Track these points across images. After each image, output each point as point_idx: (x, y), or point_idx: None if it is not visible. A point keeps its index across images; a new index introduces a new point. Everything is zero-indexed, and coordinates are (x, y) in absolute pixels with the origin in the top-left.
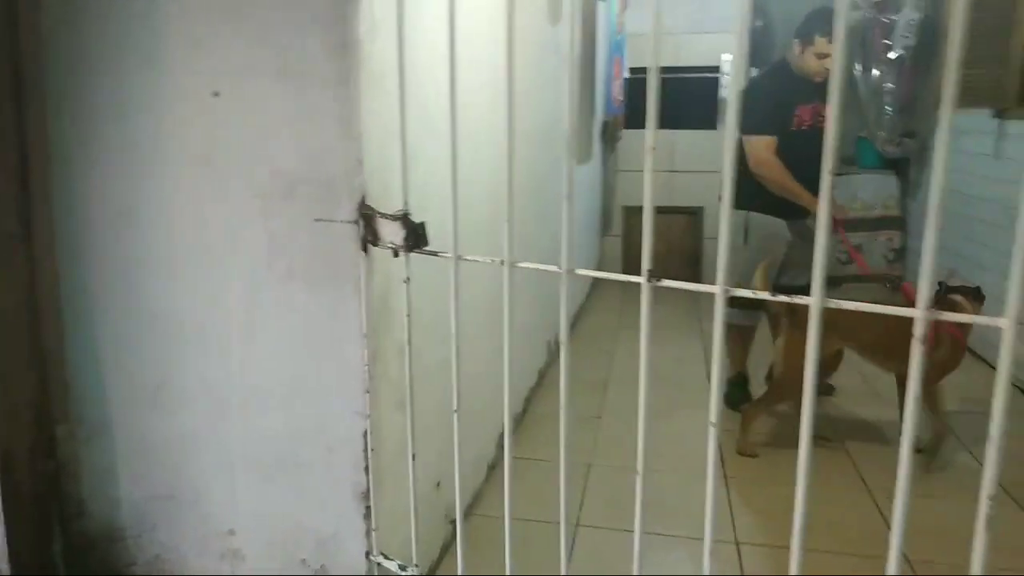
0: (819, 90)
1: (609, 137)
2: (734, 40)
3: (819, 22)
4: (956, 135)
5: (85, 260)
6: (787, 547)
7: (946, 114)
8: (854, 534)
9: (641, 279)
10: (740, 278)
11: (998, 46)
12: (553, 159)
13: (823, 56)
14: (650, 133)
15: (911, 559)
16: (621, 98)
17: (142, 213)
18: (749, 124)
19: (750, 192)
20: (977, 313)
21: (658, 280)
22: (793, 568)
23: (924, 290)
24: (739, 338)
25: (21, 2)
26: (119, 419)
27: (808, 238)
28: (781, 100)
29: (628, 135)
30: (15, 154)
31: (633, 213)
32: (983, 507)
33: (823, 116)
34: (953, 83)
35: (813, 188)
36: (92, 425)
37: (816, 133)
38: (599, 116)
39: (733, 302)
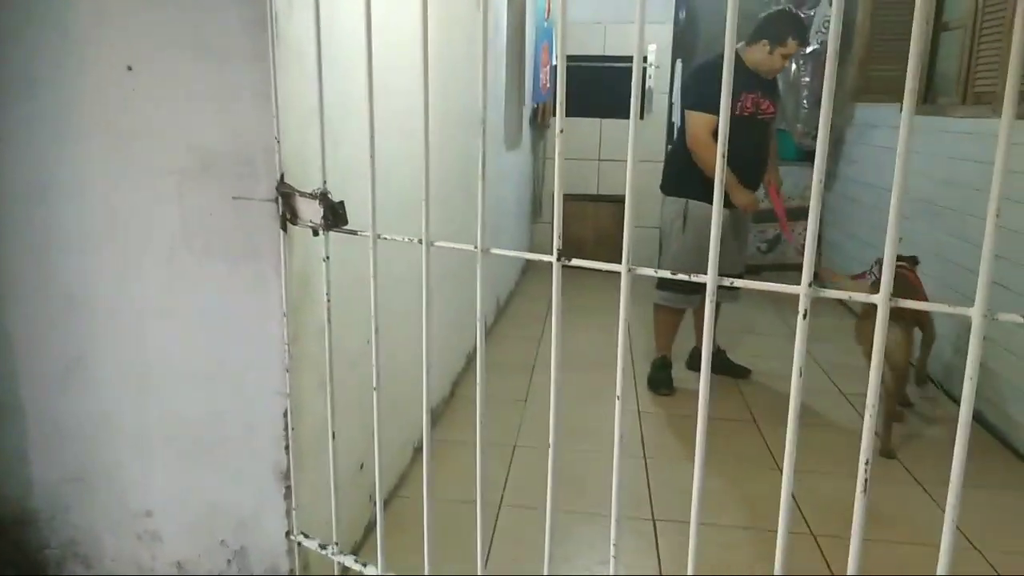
0: (763, 83)
1: (538, 124)
2: (660, 30)
3: (791, 25)
4: (867, 129)
5: None
6: (703, 524)
7: (825, 107)
8: (771, 511)
9: (552, 258)
10: (679, 263)
11: (908, 44)
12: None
13: (787, 56)
14: (559, 120)
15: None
16: (549, 85)
17: (54, 189)
18: (694, 100)
19: (689, 179)
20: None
21: (568, 260)
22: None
23: (807, 271)
24: (669, 321)
25: None
26: (30, 400)
27: (730, 226)
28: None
29: (556, 122)
30: None
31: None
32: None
33: (761, 106)
34: (831, 76)
35: (744, 172)
36: (2, 406)
37: (753, 121)
38: (528, 103)
39: (667, 284)
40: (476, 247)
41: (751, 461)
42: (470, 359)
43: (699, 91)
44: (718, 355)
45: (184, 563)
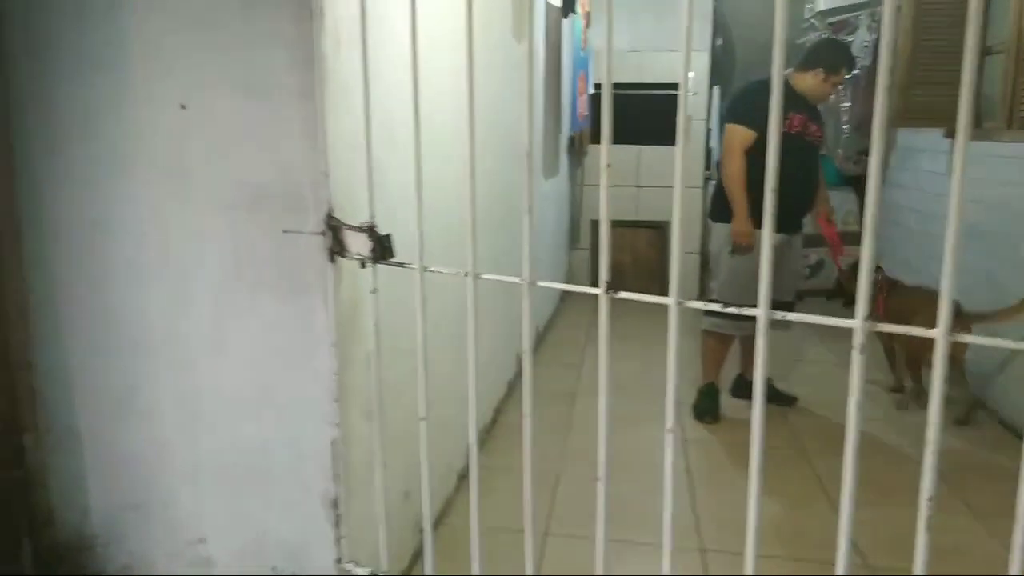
0: (809, 107)
1: (576, 152)
2: (696, 58)
3: (844, 55)
4: (911, 154)
5: (54, 269)
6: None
7: (878, 134)
8: (822, 543)
9: (599, 291)
10: (727, 290)
11: (949, 68)
12: (520, 172)
13: (837, 84)
14: (604, 151)
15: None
16: (587, 113)
17: (110, 223)
18: (738, 115)
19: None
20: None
21: (616, 292)
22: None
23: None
24: (718, 348)
25: None
26: (87, 428)
27: (781, 252)
28: (767, 103)
29: (594, 150)
30: None
31: (599, 227)
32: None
33: (810, 129)
34: (884, 104)
35: (788, 195)
36: (60, 433)
37: (801, 142)
38: (565, 131)
39: (716, 310)
40: (523, 280)
41: (799, 491)
42: (511, 386)
43: (745, 107)
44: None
45: None
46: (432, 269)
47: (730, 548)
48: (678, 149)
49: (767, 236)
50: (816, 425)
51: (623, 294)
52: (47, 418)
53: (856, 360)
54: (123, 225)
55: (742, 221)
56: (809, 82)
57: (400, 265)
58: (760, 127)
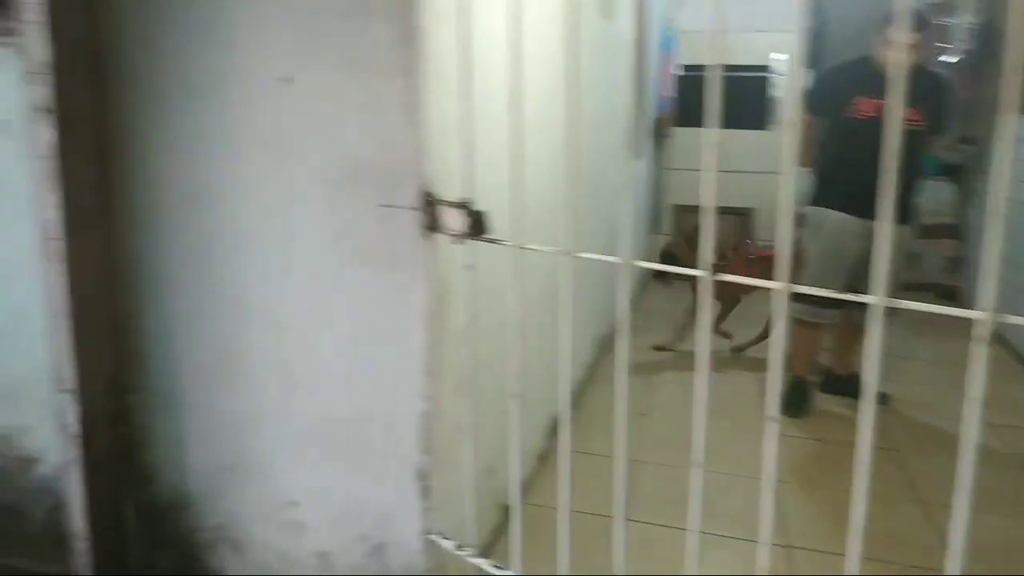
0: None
1: (659, 134)
2: (788, 39)
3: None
4: (1017, 143)
5: (160, 236)
6: (838, 553)
7: (1007, 120)
8: (908, 545)
9: (703, 272)
10: (810, 275)
11: None
12: (604, 153)
13: (896, 46)
14: (713, 133)
15: None
16: (672, 95)
17: (212, 193)
18: (808, 101)
19: (821, 188)
20: None
21: (719, 274)
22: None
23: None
24: (808, 337)
25: None
26: (189, 390)
27: (864, 240)
28: (845, 87)
29: (678, 132)
30: (94, 134)
31: (682, 211)
32: None
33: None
34: (1014, 87)
35: (861, 179)
36: (164, 396)
37: (873, 125)
38: (649, 113)
39: (802, 296)
40: (621, 259)
41: (891, 491)
42: (590, 369)
43: (812, 91)
44: (854, 379)
45: (326, 553)
46: (527, 247)
47: (819, 547)
48: (786, 133)
49: (886, 224)
50: (908, 423)
51: (728, 277)
52: (151, 380)
53: (978, 354)
54: (224, 195)
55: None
56: (877, 52)
57: (495, 242)
58: (825, 113)
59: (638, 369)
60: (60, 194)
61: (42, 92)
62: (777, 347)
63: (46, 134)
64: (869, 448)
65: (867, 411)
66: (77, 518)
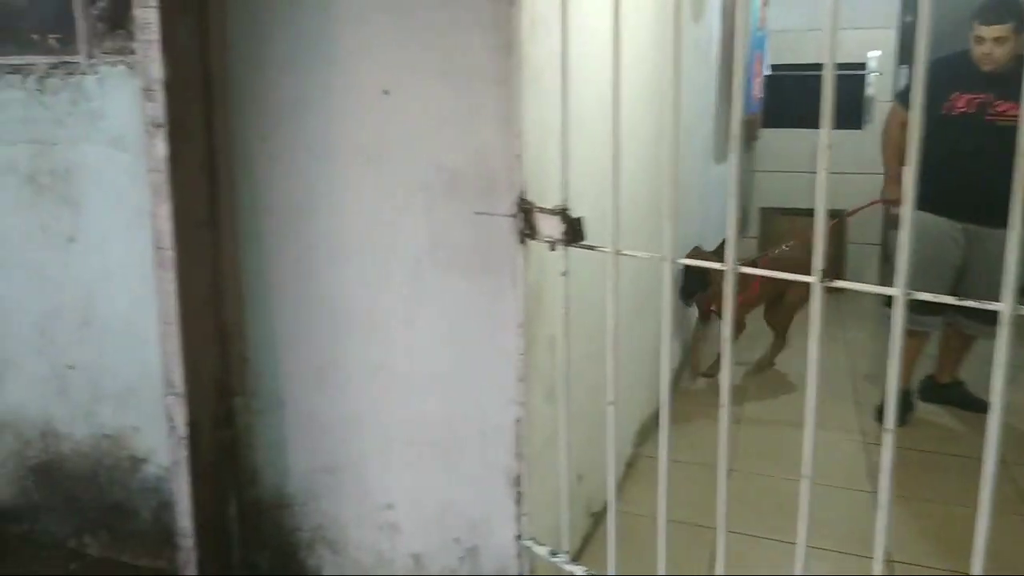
0: (990, 80)
1: (747, 136)
2: (883, 35)
3: (981, 8)
4: None
5: (263, 246)
6: (940, 570)
7: None
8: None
9: (813, 279)
10: (916, 281)
11: None
12: (693, 156)
13: (980, 41)
14: (824, 132)
15: None
16: (761, 95)
17: (314, 203)
18: (900, 93)
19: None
20: None
21: (831, 280)
22: None
23: None
24: (910, 345)
25: (210, 9)
26: (290, 394)
27: (985, 240)
28: (942, 82)
29: (766, 134)
30: (204, 149)
31: (771, 215)
32: None
33: (996, 109)
34: None
35: (958, 179)
36: (266, 399)
37: (974, 122)
38: (738, 115)
39: (909, 305)
40: (726, 266)
41: (998, 503)
42: (675, 376)
43: (906, 87)
44: (956, 387)
45: (420, 556)
46: (626, 252)
47: (919, 561)
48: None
49: (1016, 229)
50: (1014, 433)
51: (839, 283)
52: (255, 384)
53: None
54: (327, 207)
55: (890, 185)
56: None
57: (592, 248)
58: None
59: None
60: (172, 206)
61: (157, 108)
62: (894, 357)
63: (160, 148)
64: (994, 463)
65: (993, 424)
66: (183, 517)
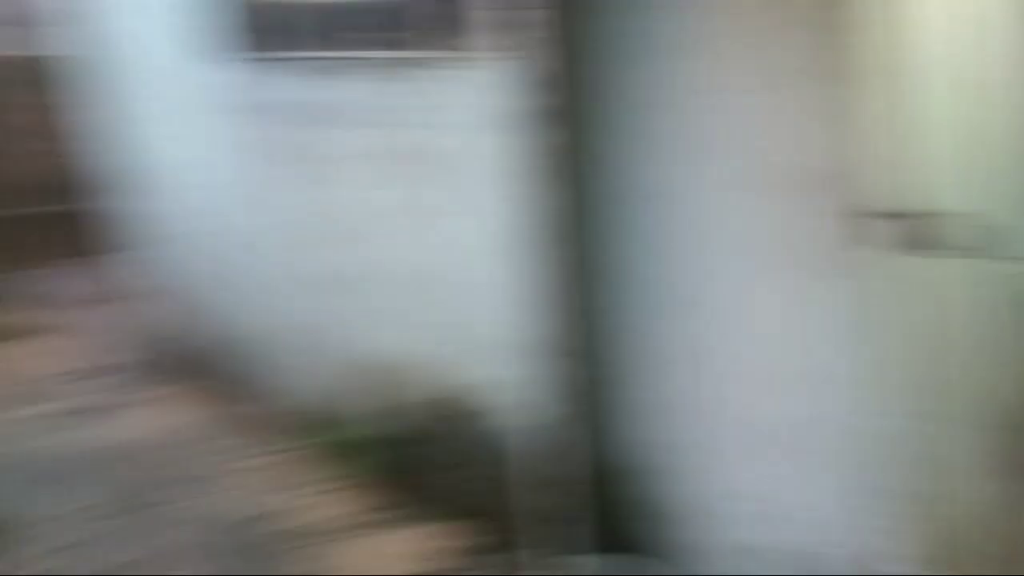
0: None
1: None
2: None
3: None
4: None
5: (620, 232)
6: None
7: None
8: None
9: None
10: None
11: None
12: None
13: None
14: None
15: None
16: None
17: (664, 196)
18: None
19: None
20: None
21: None
22: None
23: None
24: None
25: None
26: (645, 376)
27: None
28: None
29: None
30: (577, 138)
31: None
32: None
33: None
34: None
35: None
36: (624, 378)
37: None
38: None
39: None
40: None
41: None
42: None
43: None
44: None
45: (776, 550)
46: (1000, 258)
47: None
48: None
49: None
50: None
51: None
52: (611, 360)
53: None
54: (677, 199)
55: None
56: None
57: (950, 255)
58: None
59: None
60: (551, 188)
61: (537, 99)
62: None
63: (547, 135)
64: None
65: None
66: (546, 477)
